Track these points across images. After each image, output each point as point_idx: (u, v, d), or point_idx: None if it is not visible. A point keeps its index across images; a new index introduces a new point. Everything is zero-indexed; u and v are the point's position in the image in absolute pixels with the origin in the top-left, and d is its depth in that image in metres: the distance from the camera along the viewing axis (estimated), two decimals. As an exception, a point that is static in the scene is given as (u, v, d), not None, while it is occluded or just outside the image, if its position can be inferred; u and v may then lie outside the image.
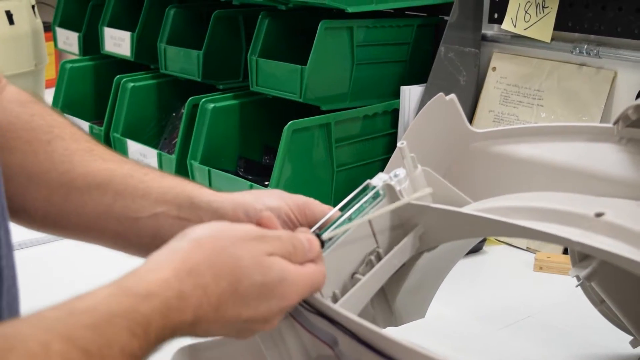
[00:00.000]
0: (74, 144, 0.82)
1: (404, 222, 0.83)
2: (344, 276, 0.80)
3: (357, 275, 0.79)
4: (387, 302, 0.89)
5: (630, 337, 1.09)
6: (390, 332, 0.84)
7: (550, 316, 1.31)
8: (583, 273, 0.97)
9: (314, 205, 0.82)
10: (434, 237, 0.83)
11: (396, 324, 0.92)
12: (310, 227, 0.78)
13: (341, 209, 0.80)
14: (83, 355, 0.51)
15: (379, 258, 0.81)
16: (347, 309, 0.70)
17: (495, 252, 1.59)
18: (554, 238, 0.74)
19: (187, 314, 0.59)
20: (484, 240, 1.57)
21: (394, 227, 0.83)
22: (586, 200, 0.87)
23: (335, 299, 0.77)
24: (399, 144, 0.86)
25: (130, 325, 0.55)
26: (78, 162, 0.81)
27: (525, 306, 1.35)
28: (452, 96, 0.98)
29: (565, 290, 1.38)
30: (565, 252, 1.52)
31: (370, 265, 0.81)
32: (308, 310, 0.70)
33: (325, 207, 0.82)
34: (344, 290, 0.78)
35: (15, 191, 0.78)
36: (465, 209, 0.85)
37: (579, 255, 1.02)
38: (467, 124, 1.01)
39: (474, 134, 1.01)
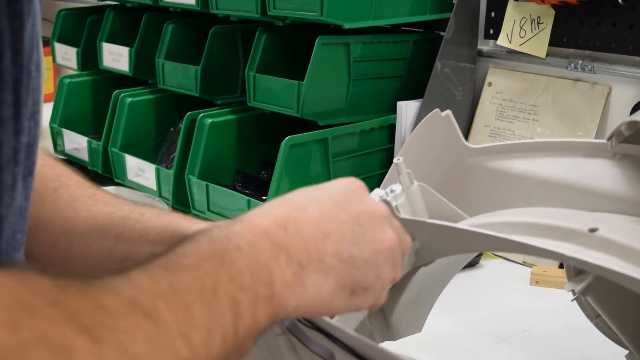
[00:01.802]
0: (77, 191, 0.83)
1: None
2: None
3: (354, 290, 0.80)
4: (384, 316, 0.90)
5: (626, 351, 1.09)
6: (387, 346, 0.84)
7: (547, 330, 1.31)
8: (578, 287, 0.97)
9: None
10: (430, 252, 0.83)
11: (393, 338, 0.93)
12: None
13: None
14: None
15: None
16: (344, 323, 0.71)
17: (492, 266, 1.59)
18: (549, 253, 0.74)
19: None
20: (480, 255, 1.58)
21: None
22: (580, 216, 0.88)
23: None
24: (395, 160, 0.86)
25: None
26: (81, 207, 0.81)
27: (522, 320, 1.35)
28: (448, 112, 0.99)
29: (561, 304, 1.38)
30: (562, 266, 1.52)
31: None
32: (306, 325, 0.70)
33: None
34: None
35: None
36: (461, 225, 0.86)
37: (574, 269, 1.02)
38: (463, 139, 1.02)
39: (469, 150, 1.02)
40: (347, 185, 0.66)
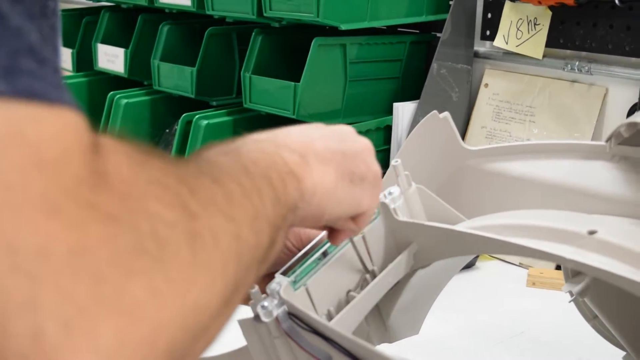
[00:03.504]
0: None
1: (398, 240, 0.84)
2: (339, 294, 0.80)
3: (352, 293, 0.80)
4: (381, 318, 0.90)
5: (623, 353, 1.09)
6: (383, 349, 0.84)
7: (543, 332, 1.31)
8: (576, 289, 0.97)
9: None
10: (428, 255, 0.83)
11: (390, 340, 0.92)
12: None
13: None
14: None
15: (373, 276, 0.82)
16: (342, 326, 0.70)
17: (488, 268, 1.59)
18: (547, 255, 0.74)
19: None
20: (477, 256, 1.57)
21: (388, 245, 0.84)
22: (579, 218, 0.87)
23: (329, 317, 0.78)
24: (392, 162, 0.86)
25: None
26: None
27: (518, 322, 1.35)
28: (446, 114, 0.99)
29: (558, 306, 1.38)
30: (558, 267, 1.52)
31: (365, 283, 0.81)
32: (303, 328, 0.70)
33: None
34: (339, 308, 0.78)
35: None
36: (459, 227, 0.86)
37: (571, 271, 1.02)
38: (461, 141, 1.02)
39: (467, 152, 1.02)
40: (313, 123, 0.72)
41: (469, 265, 1.56)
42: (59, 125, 0.35)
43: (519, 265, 1.59)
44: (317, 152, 0.64)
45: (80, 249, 0.34)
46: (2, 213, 0.32)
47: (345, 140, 0.68)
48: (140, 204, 0.37)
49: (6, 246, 0.32)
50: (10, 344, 0.32)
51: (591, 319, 1.13)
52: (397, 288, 0.87)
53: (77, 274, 0.33)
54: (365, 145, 0.71)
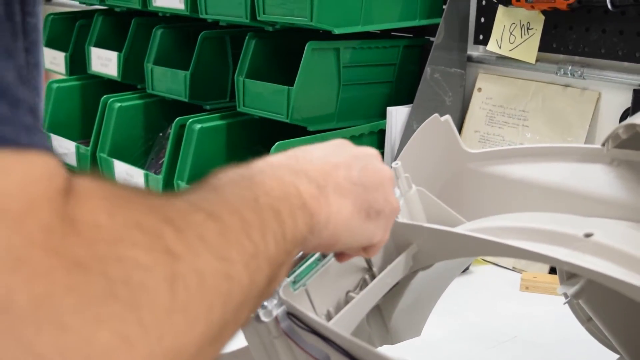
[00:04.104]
0: None
1: (398, 242, 0.84)
2: (338, 295, 0.81)
3: (351, 294, 0.80)
4: (383, 320, 0.90)
5: (617, 356, 1.09)
6: (380, 350, 0.84)
7: (537, 336, 1.32)
8: (571, 291, 0.98)
9: None
10: (428, 257, 0.84)
11: (392, 342, 0.93)
12: None
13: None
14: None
15: (373, 277, 0.82)
16: (341, 327, 0.71)
17: (482, 272, 1.59)
18: (544, 258, 0.75)
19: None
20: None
21: (387, 246, 0.84)
22: (576, 221, 0.88)
23: (329, 317, 0.78)
24: (393, 164, 0.87)
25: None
26: None
27: (512, 326, 1.35)
28: (447, 117, 0.99)
29: (551, 310, 1.39)
30: (551, 272, 1.53)
31: (364, 284, 0.82)
32: (302, 328, 0.70)
33: None
34: (338, 309, 0.79)
35: None
36: (458, 229, 0.86)
37: (566, 273, 1.03)
38: (462, 144, 1.02)
39: (468, 155, 1.02)
40: (335, 140, 0.71)
41: (463, 270, 1.56)
42: (26, 174, 0.35)
43: (512, 270, 1.60)
44: (336, 183, 0.63)
45: (44, 299, 0.33)
46: None
47: (367, 168, 0.67)
48: (112, 249, 0.37)
49: None
50: None
51: (585, 321, 1.13)
52: (398, 290, 0.87)
53: (39, 325, 0.33)
54: (387, 177, 0.69)
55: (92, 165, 2.08)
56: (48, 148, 0.37)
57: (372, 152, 0.71)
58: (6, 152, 0.34)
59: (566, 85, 1.67)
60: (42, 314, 0.33)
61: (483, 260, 1.63)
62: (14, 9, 0.42)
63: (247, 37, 1.79)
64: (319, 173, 0.61)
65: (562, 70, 1.65)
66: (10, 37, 0.39)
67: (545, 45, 1.68)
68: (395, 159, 0.96)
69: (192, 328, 0.40)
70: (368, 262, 0.84)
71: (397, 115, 1.78)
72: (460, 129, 1.82)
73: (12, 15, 0.41)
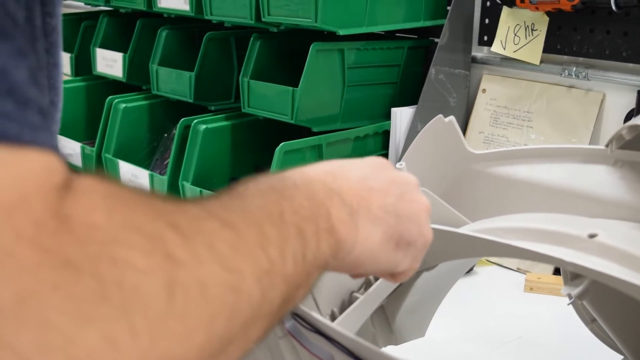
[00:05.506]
0: None
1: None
2: (342, 295, 0.81)
3: (356, 294, 0.80)
4: (387, 321, 0.90)
5: (621, 357, 1.09)
6: (385, 350, 0.84)
7: (541, 337, 1.32)
8: (575, 291, 0.98)
9: None
10: (432, 257, 0.83)
11: (396, 342, 0.93)
12: None
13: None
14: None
15: (377, 277, 0.82)
16: (345, 327, 0.71)
17: (486, 273, 1.59)
18: (548, 258, 0.75)
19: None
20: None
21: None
22: (580, 222, 0.88)
23: (333, 317, 0.78)
24: (398, 165, 0.87)
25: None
26: None
27: (516, 327, 1.35)
28: (451, 118, 0.99)
29: (555, 311, 1.39)
30: (556, 272, 1.53)
31: (368, 284, 0.82)
32: (306, 328, 0.70)
33: None
34: (342, 309, 0.79)
35: None
36: (462, 230, 0.86)
37: (570, 274, 1.03)
38: (466, 145, 1.03)
39: (472, 156, 1.03)
40: (376, 159, 0.68)
41: (467, 271, 1.56)
42: (22, 169, 0.34)
43: (516, 270, 1.60)
44: (370, 209, 0.61)
45: (28, 296, 0.32)
46: None
47: (403, 197, 0.65)
48: (106, 249, 0.36)
49: None
50: None
51: (589, 322, 1.13)
52: (402, 290, 0.88)
53: (22, 322, 0.32)
54: (423, 208, 0.67)
55: (97, 166, 2.08)
56: (54, 147, 0.36)
57: (411, 180, 0.68)
58: (5, 147, 0.34)
59: (570, 87, 1.67)
60: (26, 310, 0.32)
61: (487, 261, 1.63)
62: (35, 12, 0.42)
63: (251, 38, 1.79)
64: (354, 196, 0.60)
65: (566, 71, 1.65)
66: (26, 39, 0.38)
67: (550, 47, 1.68)
68: (399, 160, 0.96)
69: (190, 336, 0.38)
70: None
71: (401, 116, 1.78)
72: (464, 130, 1.82)
73: (32, 19, 0.41)
